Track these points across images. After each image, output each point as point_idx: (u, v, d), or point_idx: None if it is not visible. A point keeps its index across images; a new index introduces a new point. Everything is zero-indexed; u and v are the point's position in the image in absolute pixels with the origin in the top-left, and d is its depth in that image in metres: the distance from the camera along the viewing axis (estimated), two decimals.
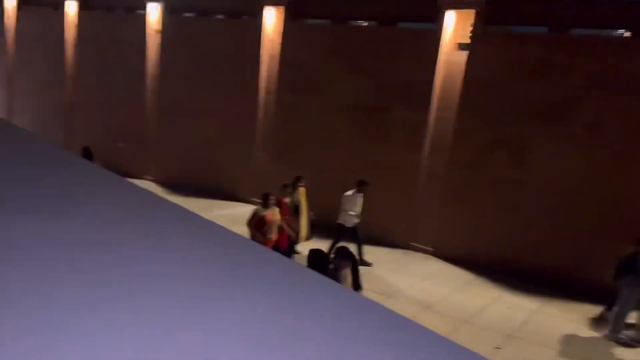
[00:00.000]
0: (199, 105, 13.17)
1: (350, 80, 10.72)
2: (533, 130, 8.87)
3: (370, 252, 9.29)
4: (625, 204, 8.26)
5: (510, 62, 8.99)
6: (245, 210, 12.04)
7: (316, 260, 5.24)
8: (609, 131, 8.33)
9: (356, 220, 9.02)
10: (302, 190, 8.86)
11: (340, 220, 9.01)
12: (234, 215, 11.42)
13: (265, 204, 7.84)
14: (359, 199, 9.00)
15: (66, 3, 15.51)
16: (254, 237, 7.51)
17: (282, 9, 11.70)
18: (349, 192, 8.98)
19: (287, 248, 8.33)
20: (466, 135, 9.50)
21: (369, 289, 7.91)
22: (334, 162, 11.01)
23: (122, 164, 14.77)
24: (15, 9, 17.16)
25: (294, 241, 8.60)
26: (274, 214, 7.85)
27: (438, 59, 9.64)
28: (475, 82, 9.30)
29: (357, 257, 8.52)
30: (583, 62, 8.41)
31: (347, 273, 5.51)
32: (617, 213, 8.30)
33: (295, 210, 8.59)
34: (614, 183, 8.30)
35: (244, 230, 10.43)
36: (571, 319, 7.44)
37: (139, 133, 14.48)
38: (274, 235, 7.83)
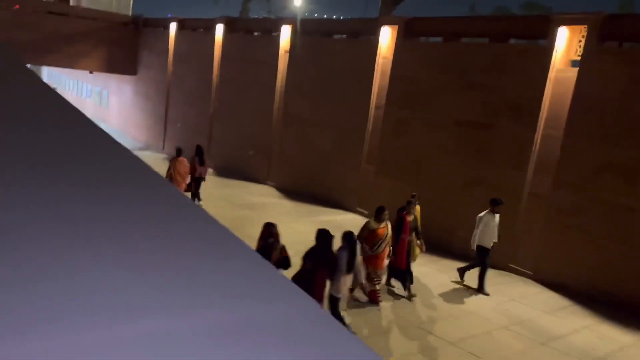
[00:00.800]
0: (317, 118, 14.25)
1: (458, 96, 10.86)
2: None
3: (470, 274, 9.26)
4: None
5: (625, 79, 8.44)
6: (345, 217, 12.78)
7: (322, 237, 6.03)
8: None
9: (491, 243, 8.63)
10: (417, 209, 8.75)
11: (479, 242, 8.62)
12: (333, 221, 12.21)
13: (378, 218, 7.62)
14: (492, 219, 8.56)
15: (216, 26, 17.90)
16: (363, 250, 7.33)
17: (396, 27, 12.28)
18: (482, 213, 8.65)
19: (405, 269, 8.12)
20: (574, 156, 9.07)
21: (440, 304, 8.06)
22: (438, 178, 11.18)
23: (249, 170, 16.50)
24: (174, 33, 20.19)
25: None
26: (385, 229, 7.65)
27: (548, 76, 9.38)
28: (586, 100, 8.87)
29: (479, 281, 8.55)
30: None
31: (343, 255, 6.14)
32: None
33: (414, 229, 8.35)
34: None
35: (337, 236, 11.11)
36: None
37: (266, 143, 16.05)
38: (385, 251, 7.67)
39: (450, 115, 11.04)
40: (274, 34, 15.93)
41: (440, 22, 11.75)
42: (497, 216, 8.57)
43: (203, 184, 12.53)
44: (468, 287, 8.78)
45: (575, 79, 9.00)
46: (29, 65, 19.73)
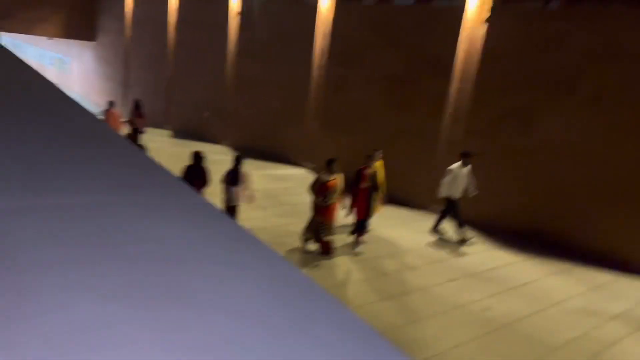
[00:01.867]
0: (267, 79, 15.16)
1: (388, 54, 11.89)
2: (540, 100, 9.41)
3: (392, 212, 10.48)
4: (627, 172, 8.56)
5: (522, 35, 9.58)
6: (291, 171, 13.92)
7: (195, 157, 7.78)
8: (607, 100, 8.65)
9: (459, 194, 9.11)
10: (380, 163, 9.18)
11: (447, 194, 9.11)
12: (278, 175, 13.34)
13: (329, 170, 7.84)
14: (460, 172, 9.02)
15: None
16: (315, 202, 7.81)
17: None
18: (453, 166, 9.09)
19: (363, 219, 8.38)
20: (482, 105, 10.26)
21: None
22: (372, 129, 12.30)
23: (206, 131, 17.41)
24: None
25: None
26: (337, 181, 7.86)
27: (460, 33, 10.47)
28: (492, 54, 10.01)
29: (459, 232, 8.99)
30: (586, 34, 8.79)
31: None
32: (618, 179, 8.63)
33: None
34: (610, 150, 8.64)
35: (281, 186, 12.27)
36: (538, 271, 8.10)
37: (220, 104, 16.93)
38: (336, 203, 7.94)
39: (381, 71, 12.09)
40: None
41: None
42: (466, 168, 9.06)
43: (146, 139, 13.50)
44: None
45: (483, 36, 10.11)
46: None
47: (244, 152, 16.05)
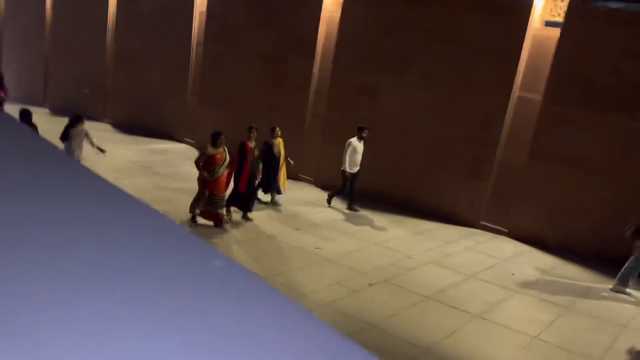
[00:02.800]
0: (147, 54, 15.43)
1: (260, 32, 12.78)
2: (384, 78, 10.82)
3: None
4: (451, 140, 10.17)
5: (370, 19, 10.92)
6: (172, 146, 14.44)
7: (22, 114, 8.37)
8: (441, 81, 10.22)
9: (357, 167, 9.91)
10: (280, 141, 9.82)
11: (343, 167, 9.87)
12: (157, 149, 13.84)
13: (214, 144, 8.05)
14: (360, 146, 9.88)
15: None
16: (201, 176, 8.06)
17: None
18: (352, 139, 9.87)
19: (245, 192, 8.71)
20: (340, 83, 11.50)
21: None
22: (248, 106, 13.15)
23: (87, 109, 17.25)
24: None
25: (256, 187, 9.18)
26: (222, 154, 8.13)
27: (321, 15, 11.63)
28: (347, 36, 11.26)
29: (349, 201, 9.85)
30: (421, 19, 10.30)
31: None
32: (444, 146, 10.24)
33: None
34: (440, 121, 10.22)
35: (159, 159, 12.80)
36: (375, 221, 9.48)
37: (100, 80, 16.89)
38: (224, 175, 8.23)
39: (254, 50, 12.96)
40: None
41: None
42: (361, 142, 9.88)
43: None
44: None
45: (338, 18, 11.33)
46: None
47: (126, 128, 16.33)
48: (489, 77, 9.59)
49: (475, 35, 9.68)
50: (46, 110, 18.18)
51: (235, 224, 8.69)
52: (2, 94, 13.10)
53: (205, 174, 8.02)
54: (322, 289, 6.42)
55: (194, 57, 14.50)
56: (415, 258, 7.87)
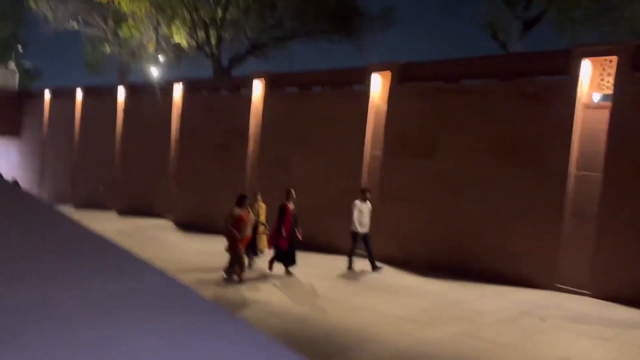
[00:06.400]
0: (141, 155, 20.36)
1: (214, 128, 17.36)
2: (291, 151, 14.86)
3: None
4: (333, 195, 13.79)
5: (283, 108, 15.25)
6: (150, 222, 18.72)
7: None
8: (325, 150, 14.11)
9: (365, 229, 10.49)
10: (263, 206, 10.93)
11: (352, 228, 10.45)
12: (141, 222, 18.10)
13: (240, 205, 8.88)
14: (365, 207, 10.56)
15: (77, 92, 24.06)
16: (231, 235, 8.78)
17: (183, 86, 18.91)
18: (356, 201, 10.54)
19: (287, 250, 9.59)
20: (264, 158, 15.62)
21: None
22: (208, 183, 17.39)
23: (102, 202, 22.20)
24: (48, 100, 26.18)
25: (295, 245, 9.99)
26: (248, 214, 8.98)
27: (251, 110, 16.10)
28: (265, 123, 15.58)
29: (371, 262, 10.33)
30: (308, 109, 14.50)
31: None
32: (330, 200, 13.85)
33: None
34: (326, 182, 13.96)
35: (139, 225, 16.84)
36: None
37: (110, 179, 21.93)
38: (249, 235, 9.04)
39: (210, 141, 17.49)
40: (112, 96, 22.30)
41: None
42: (366, 203, 10.59)
43: None
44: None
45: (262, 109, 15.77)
46: None
47: (127, 212, 20.95)
48: (350, 143, 13.43)
49: (339, 115, 13.70)
50: (72, 207, 23.29)
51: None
52: None
53: (237, 233, 8.75)
54: None
55: (172, 153, 19.25)
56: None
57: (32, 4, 26.72)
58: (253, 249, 10.46)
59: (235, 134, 16.56)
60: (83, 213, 21.15)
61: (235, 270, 9.15)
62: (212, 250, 11.80)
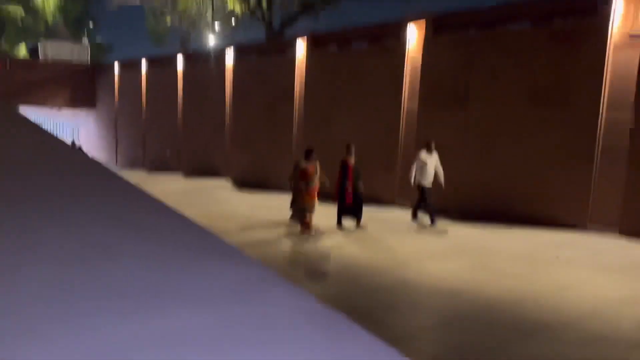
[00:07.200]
0: (201, 120, 21.74)
1: (262, 90, 18.25)
2: (333, 110, 15.48)
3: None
4: (375, 150, 14.33)
5: (321, 67, 15.82)
6: (214, 182, 20.08)
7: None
8: (365, 106, 14.61)
9: (429, 181, 10.15)
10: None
11: (418, 182, 10.15)
12: (203, 182, 19.53)
13: (307, 158, 8.96)
14: (429, 159, 10.10)
15: (142, 63, 25.75)
16: (297, 187, 8.95)
17: (235, 52, 19.87)
18: (421, 153, 10.19)
19: (353, 205, 9.63)
20: (307, 115, 16.36)
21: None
22: (259, 143, 18.44)
23: (169, 165, 24.00)
24: (117, 73, 28.15)
25: (362, 199, 9.89)
26: (314, 167, 9.03)
27: (295, 72, 16.79)
28: (309, 81, 16.23)
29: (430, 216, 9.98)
30: (350, 63, 14.97)
31: None
32: (372, 154, 14.43)
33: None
34: (366, 138, 14.50)
35: (199, 187, 18.25)
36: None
37: (175, 145, 23.58)
38: (315, 187, 9.06)
39: (261, 102, 18.43)
40: (173, 65, 23.69)
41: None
42: (433, 155, 10.16)
43: None
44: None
45: (305, 69, 16.41)
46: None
47: (190, 173, 22.53)
48: (388, 98, 13.83)
49: (378, 70, 14.09)
50: (144, 171, 25.31)
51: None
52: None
53: (302, 184, 8.91)
54: None
55: (227, 115, 20.41)
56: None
57: None
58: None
59: (282, 95, 17.37)
60: (153, 176, 23.07)
61: (299, 221, 9.33)
62: (269, 204, 12.62)
